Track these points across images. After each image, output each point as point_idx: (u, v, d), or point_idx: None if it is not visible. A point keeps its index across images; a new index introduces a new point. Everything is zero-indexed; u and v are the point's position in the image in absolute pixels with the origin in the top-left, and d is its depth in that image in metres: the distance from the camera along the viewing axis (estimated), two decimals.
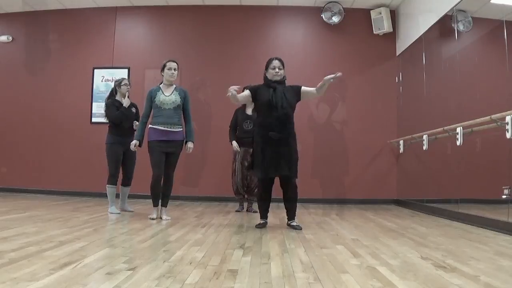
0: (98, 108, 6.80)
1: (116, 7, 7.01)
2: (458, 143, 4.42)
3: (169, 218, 4.27)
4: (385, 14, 6.48)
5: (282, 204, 3.99)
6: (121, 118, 4.68)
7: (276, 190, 3.99)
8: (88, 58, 6.97)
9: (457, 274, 2.16)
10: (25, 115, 7.09)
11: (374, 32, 6.60)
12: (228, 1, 6.78)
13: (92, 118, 6.86)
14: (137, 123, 4.63)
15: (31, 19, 7.24)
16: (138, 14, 7.04)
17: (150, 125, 4.24)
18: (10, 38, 7.30)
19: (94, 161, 6.63)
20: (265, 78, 3.95)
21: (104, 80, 6.87)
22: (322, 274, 2.15)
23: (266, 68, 3.96)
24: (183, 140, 4.28)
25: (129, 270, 2.13)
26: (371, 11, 6.60)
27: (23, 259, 2.27)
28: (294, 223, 3.85)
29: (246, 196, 5.32)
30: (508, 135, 3.57)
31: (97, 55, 6.94)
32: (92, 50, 7.00)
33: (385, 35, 6.64)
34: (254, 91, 3.93)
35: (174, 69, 4.27)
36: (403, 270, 2.24)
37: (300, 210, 5.57)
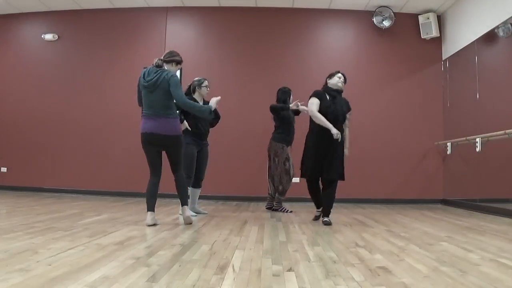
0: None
1: (167, 7, 7.11)
2: None
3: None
4: (433, 19, 6.67)
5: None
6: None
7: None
8: (139, 58, 7.04)
9: None
10: (72, 115, 7.16)
11: (422, 37, 6.79)
12: (280, 3, 6.91)
13: None
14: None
15: (77, 18, 7.32)
16: (190, 14, 7.14)
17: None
18: (56, 36, 7.35)
19: (144, 162, 6.71)
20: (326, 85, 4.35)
21: None
22: (464, 268, 2.31)
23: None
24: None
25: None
26: (419, 16, 6.79)
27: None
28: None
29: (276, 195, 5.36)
30: None
31: (148, 55, 6.97)
32: (142, 50, 7.09)
33: (432, 39, 6.83)
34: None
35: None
36: None
37: (356, 209, 5.81)
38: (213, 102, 4.00)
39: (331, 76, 4.32)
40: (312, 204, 4.48)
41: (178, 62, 3.96)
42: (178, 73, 6.98)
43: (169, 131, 3.79)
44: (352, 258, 2.50)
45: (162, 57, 3.90)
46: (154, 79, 3.72)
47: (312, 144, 4.18)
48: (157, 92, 3.74)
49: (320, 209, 4.36)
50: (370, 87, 6.90)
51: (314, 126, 4.17)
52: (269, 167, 5.33)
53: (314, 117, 4.15)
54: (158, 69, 3.80)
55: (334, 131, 4.04)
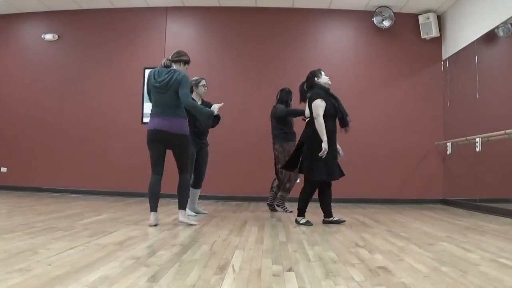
0: (150, 109, 6.89)
1: (167, 7, 7.12)
2: None
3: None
4: (433, 19, 6.68)
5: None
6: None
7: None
8: (139, 58, 7.07)
9: None
10: (72, 115, 7.17)
11: (422, 37, 6.79)
12: (280, 3, 6.92)
13: (144, 118, 6.94)
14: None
15: (77, 18, 7.33)
16: (190, 14, 7.15)
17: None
18: (56, 36, 7.35)
19: (144, 162, 6.73)
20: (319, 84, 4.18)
21: None
22: (464, 268, 2.31)
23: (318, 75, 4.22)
24: None
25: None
26: (419, 16, 6.80)
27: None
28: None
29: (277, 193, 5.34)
30: None
31: (148, 55, 7.03)
32: (142, 50, 7.10)
33: (432, 39, 6.84)
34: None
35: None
36: None
37: (356, 209, 5.81)
38: (215, 108, 3.99)
39: (318, 74, 4.19)
40: (310, 204, 4.40)
41: (186, 62, 3.94)
42: None
43: (176, 129, 3.75)
44: (352, 258, 2.50)
45: (170, 57, 3.87)
46: (167, 79, 3.70)
47: (329, 146, 3.98)
48: (169, 93, 3.71)
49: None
50: (370, 87, 6.91)
51: (328, 127, 4.01)
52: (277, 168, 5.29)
53: (318, 123, 3.95)
54: (169, 69, 3.77)
55: (325, 145, 3.92)
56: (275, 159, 5.31)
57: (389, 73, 6.94)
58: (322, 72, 4.22)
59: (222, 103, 4.09)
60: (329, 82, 4.21)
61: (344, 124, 4.18)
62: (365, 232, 3.64)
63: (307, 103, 4.22)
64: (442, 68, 6.89)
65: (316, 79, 4.19)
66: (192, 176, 4.68)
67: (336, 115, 4.09)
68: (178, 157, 3.87)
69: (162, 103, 3.75)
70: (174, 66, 3.84)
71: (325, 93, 4.10)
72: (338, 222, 4.15)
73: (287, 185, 5.19)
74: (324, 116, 4.00)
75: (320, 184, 4.11)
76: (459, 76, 6.47)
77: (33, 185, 7.09)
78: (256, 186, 6.54)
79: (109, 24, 7.24)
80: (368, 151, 6.74)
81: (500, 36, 5.47)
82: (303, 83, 4.33)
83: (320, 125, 3.95)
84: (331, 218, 4.17)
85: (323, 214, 4.22)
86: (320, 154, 3.91)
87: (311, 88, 4.21)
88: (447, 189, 6.67)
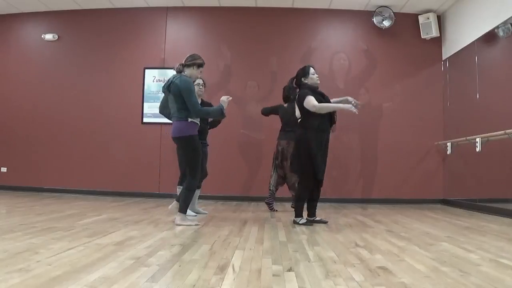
0: (150, 108, 6.91)
1: (167, 7, 7.11)
2: None
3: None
4: (433, 19, 6.68)
5: None
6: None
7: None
8: (139, 58, 7.06)
9: None
10: (73, 116, 7.15)
11: (422, 37, 6.79)
12: (280, 3, 6.91)
13: (144, 118, 6.94)
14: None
15: (77, 18, 7.31)
16: (190, 15, 7.14)
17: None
18: (56, 36, 7.34)
19: (145, 161, 6.79)
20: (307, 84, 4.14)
21: (155, 80, 6.96)
22: (464, 268, 2.31)
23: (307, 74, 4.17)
24: None
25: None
26: (419, 16, 6.79)
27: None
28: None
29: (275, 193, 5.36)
30: None
31: (148, 56, 7.03)
32: (142, 51, 7.10)
33: (432, 39, 6.83)
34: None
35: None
36: None
37: (356, 209, 5.80)
38: (224, 101, 3.87)
39: (305, 73, 4.14)
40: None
41: (200, 65, 3.89)
42: None
43: (177, 132, 3.84)
44: (352, 258, 2.50)
45: (183, 62, 3.86)
46: (167, 84, 3.84)
47: (320, 142, 3.99)
48: (170, 97, 3.83)
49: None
50: (370, 87, 6.90)
51: (320, 123, 3.98)
52: (282, 167, 5.24)
53: (321, 109, 3.92)
54: (176, 75, 3.83)
55: (347, 106, 3.92)
56: (281, 153, 5.22)
57: (389, 73, 6.94)
58: (311, 71, 4.16)
59: (230, 97, 3.93)
60: (318, 82, 4.17)
61: (332, 122, 4.11)
62: (365, 232, 3.64)
63: (295, 103, 4.17)
64: (442, 68, 6.89)
65: (303, 79, 4.16)
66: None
67: (326, 113, 4.04)
68: (184, 159, 4.04)
69: (170, 107, 3.91)
70: (187, 71, 3.84)
71: (312, 92, 4.03)
72: (321, 222, 4.14)
73: (296, 184, 5.15)
74: (314, 114, 3.96)
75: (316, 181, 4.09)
76: (459, 76, 6.47)
77: (33, 185, 7.08)
78: (256, 186, 6.55)
79: (109, 24, 7.24)
80: (368, 151, 6.74)
81: (500, 36, 5.47)
82: (292, 79, 4.32)
83: (325, 107, 3.95)
84: (313, 218, 4.17)
85: (307, 213, 4.20)
86: (354, 110, 3.89)
87: (298, 86, 4.20)
88: (447, 189, 6.67)
